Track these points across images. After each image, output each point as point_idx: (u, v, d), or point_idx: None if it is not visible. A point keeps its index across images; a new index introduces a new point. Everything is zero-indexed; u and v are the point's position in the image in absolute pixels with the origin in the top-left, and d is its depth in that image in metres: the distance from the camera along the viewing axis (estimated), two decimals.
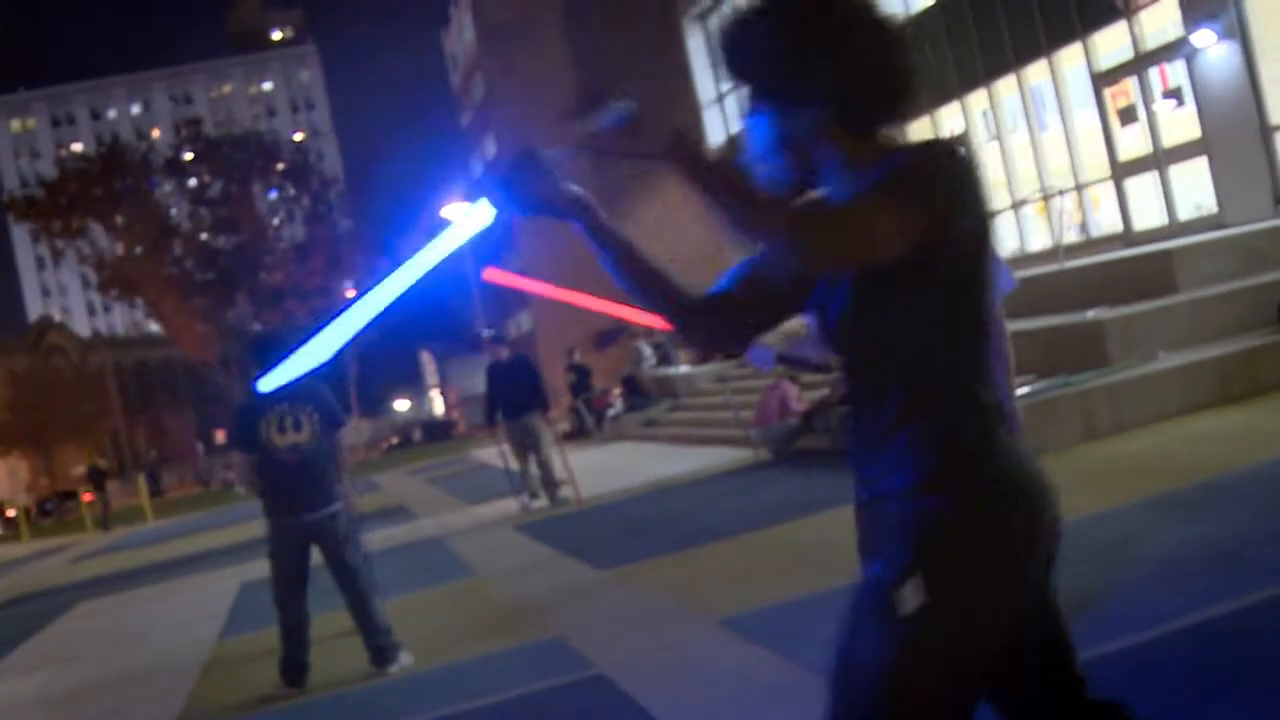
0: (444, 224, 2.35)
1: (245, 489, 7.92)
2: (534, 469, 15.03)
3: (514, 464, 15.06)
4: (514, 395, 14.83)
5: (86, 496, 55.92)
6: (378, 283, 2.39)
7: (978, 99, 24.13)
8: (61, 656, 12.14)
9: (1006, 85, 23.13)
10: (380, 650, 7.57)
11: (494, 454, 19.76)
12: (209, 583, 15.40)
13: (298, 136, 64.28)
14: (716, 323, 2.40)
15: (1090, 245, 20.35)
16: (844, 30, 2.15)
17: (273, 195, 49.99)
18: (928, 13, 25.01)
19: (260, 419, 7.39)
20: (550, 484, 15.02)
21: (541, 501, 14.95)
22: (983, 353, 2.22)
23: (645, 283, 2.36)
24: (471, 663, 7.50)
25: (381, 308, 2.43)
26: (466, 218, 2.32)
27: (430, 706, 6.63)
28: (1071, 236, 21.29)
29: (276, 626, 7.68)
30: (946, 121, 25.36)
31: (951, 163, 2.14)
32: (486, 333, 17.53)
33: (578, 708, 6.01)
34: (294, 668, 7.56)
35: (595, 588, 9.00)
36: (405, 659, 7.60)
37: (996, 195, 23.85)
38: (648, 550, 9.66)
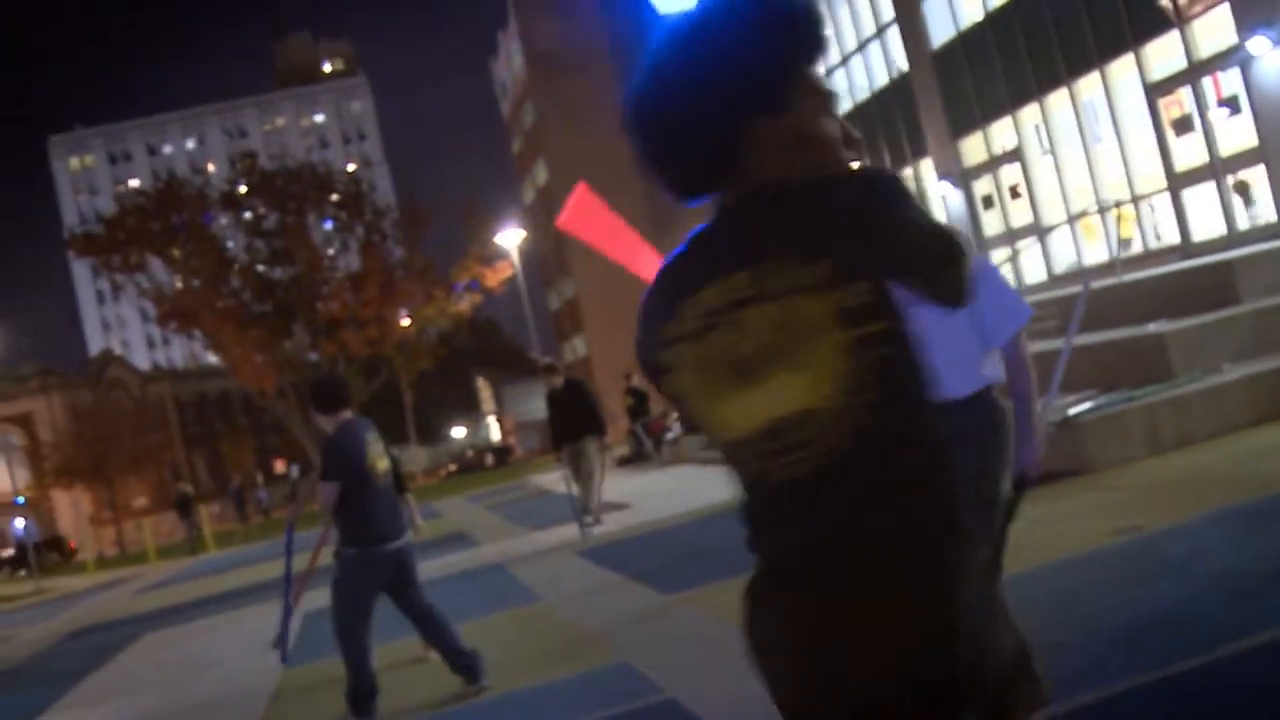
0: None
1: (328, 518, 7.83)
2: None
3: (575, 489, 15.12)
4: (569, 420, 14.92)
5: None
6: None
7: (1030, 113, 24.02)
8: (128, 688, 12.24)
9: (1058, 99, 23.02)
10: (469, 662, 7.63)
11: (554, 479, 19.87)
12: (271, 612, 15.42)
13: (350, 167, 64.66)
14: None
15: (1148, 257, 20.19)
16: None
17: (327, 226, 50.32)
18: (977, 27, 24.96)
19: (364, 447, 7.48)
20: (585, 507, 15.11)
21: (603, 526, 15.01)
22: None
23: None
24: (541, 688, 7.50)
25: None
26: None
27: None
28: (1129, 249, 21.13)
29: (340, 656, 7.71)
30: (998, 137, 25.27)
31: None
32: (543, 360, 17.57)
33: None
34: (362, 697, 7.55)
35: (661, 612, 8.98)
36: (486, 679, 7.66)
37: (1051, 209, 23.72)
38: (712, 574, 9.51)
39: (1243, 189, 19.21)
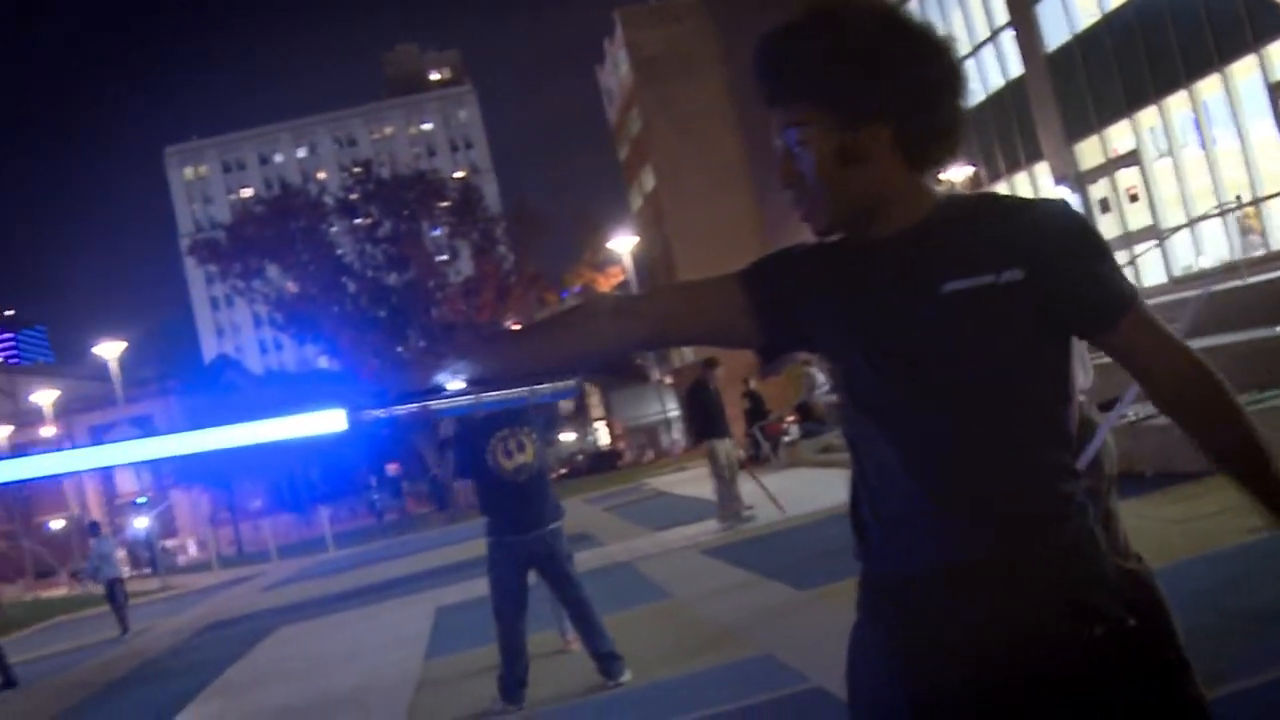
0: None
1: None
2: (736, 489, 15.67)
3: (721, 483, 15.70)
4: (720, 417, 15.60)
5: None
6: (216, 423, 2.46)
7: (1148, 115, 23.85)
8: (273, 676, 12.62)
9: (1177, 100, 22.85)
10: (608, 657, 7.86)
11: (671, 482, 20.12)
12: (403, 607, 15.86)
13: (458, 175, 65.51)
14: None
15: (1272, 259, 19.99)
16: (920, 52, 2.06)
17: (436, 233, 50.92)
18: (1094, 29, 24.84)
19: (485, 444, 7.71)
20: (727, 508, 15.62)
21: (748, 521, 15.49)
22: None
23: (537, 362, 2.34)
24: (685, 679, 7.72)
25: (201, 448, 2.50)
26: (315, 418, 2.35)
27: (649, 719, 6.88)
28: (1252, 250, 20.93)
29: (494, 644, 7.97)
30: (1115, 139, 25.11)
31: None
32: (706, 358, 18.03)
33: (800, 718, 6.19)
34: (514, 684, 7.80)
35: (799, 607, 9.14)
36: (627, 674, 7.86)
37: (1170, 211, 23.55)
38: (845, 571, 9.53)
39: None
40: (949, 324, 2.00)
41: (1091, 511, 2.07)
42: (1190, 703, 2.03)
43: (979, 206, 2.11)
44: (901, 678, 2.09)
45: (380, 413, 2.31)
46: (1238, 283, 16.26)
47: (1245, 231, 21.44)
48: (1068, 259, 2.00)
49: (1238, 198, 20.93)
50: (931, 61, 2.07)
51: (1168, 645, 2.10)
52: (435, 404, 2.26)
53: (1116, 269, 2.04)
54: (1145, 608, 2.09)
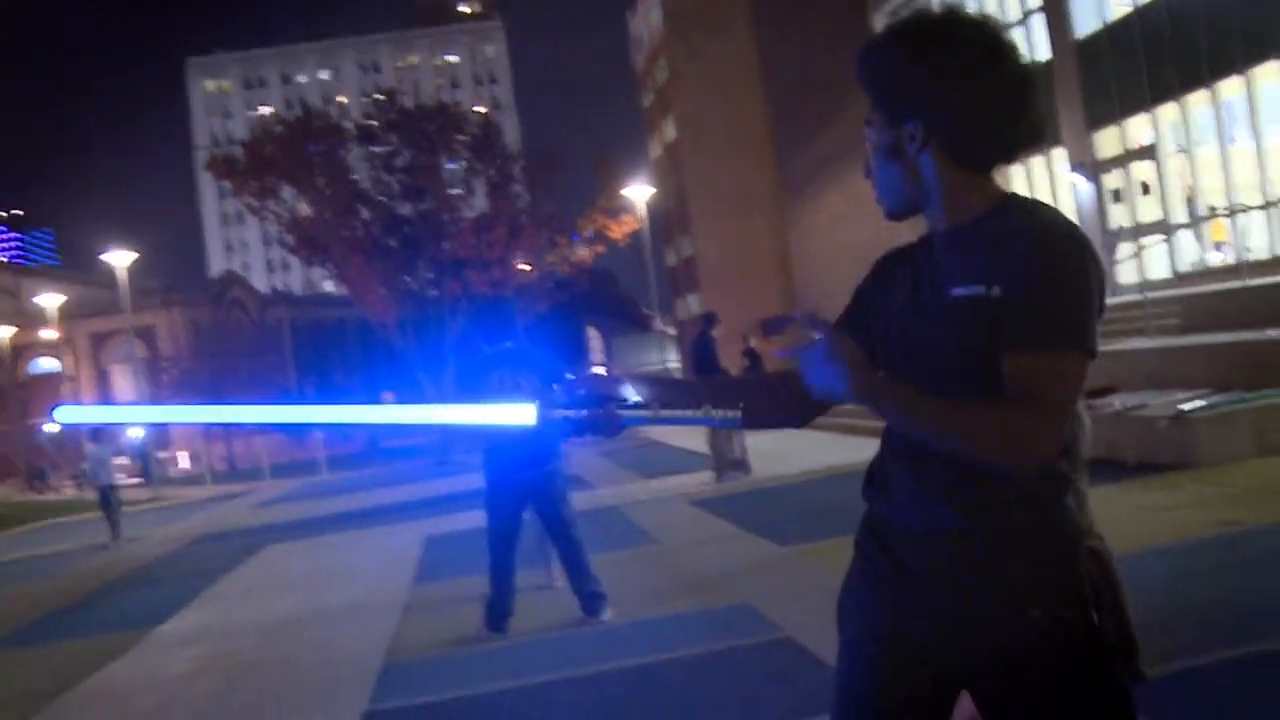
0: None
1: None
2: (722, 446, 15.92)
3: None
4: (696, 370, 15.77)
5: None
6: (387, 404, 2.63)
7: (1168, 111, 23.97)
8: (263, 589, 12.91)
9: (1198, 98, 22.96)
10: (592, 596, 8.15)
11: (665, 432, 20.36)
12: (393, 534, 16.16)
13: (480, 109, 65.48)
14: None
15: (1276, 263, 20.19)
16: (959, 57, 2.19)
17: (453, 166, 50.72)
18: (1124, 20, 24.90)
19: (485, 383, 7.98)
20: (722, 462, 15.81)
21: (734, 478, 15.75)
22: None
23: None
24: (663, 620, 8.01)
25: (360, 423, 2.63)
26: (504, 411, 2.59)
27: (627, 656, 7.14)
28: (1258, 254, 21.11)
29: (480, 575, 8.28)
30: (1134, 131, 25.24)
31: (1088, 262, 2.13)
32: (704, 311, 18.29)
33: (770, 666, 6.45)
34: (499, 614, 8.11)
35: (778, 562, 9.44)
36: (609, 613, 8.15)
37: (1180, 207, 23.73)
38: (828, 530, 9.78)
39: None
40: (948, 324, 2.20)
41: (1063, 504, 2.23)
42: (1115, 686, 2.23)
43: (1011, 213, 2.20)
44: (878, 614, 2.38)
45: (569, 413, 2.56)
46: (1237, 284, 16.47)
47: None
48: (1026, 284, 2.09)
49: (1246, 207, 21.07)
50: (970, 63, 2.20)
51: (1115, 622, 2.34)
52: (621, 412, 2.50)
53: (1068, 310, 2.09)
54: (1098, 583, 2.32)
